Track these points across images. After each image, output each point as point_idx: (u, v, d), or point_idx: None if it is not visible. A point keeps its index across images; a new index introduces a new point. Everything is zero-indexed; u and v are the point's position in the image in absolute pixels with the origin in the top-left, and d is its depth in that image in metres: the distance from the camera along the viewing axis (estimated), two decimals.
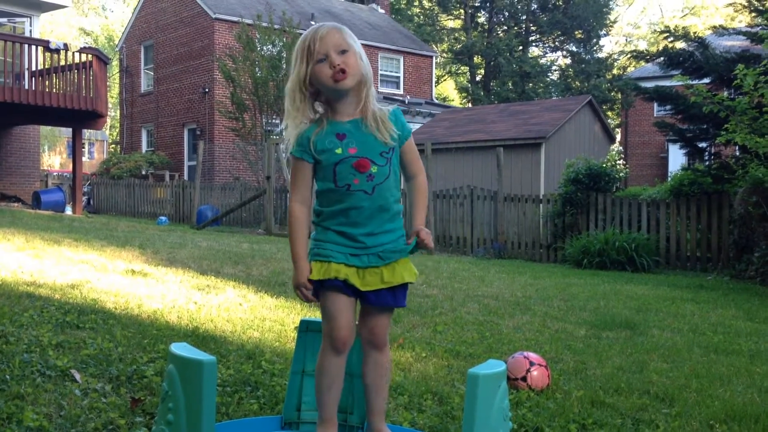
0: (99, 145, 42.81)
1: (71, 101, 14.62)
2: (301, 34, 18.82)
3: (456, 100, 43.81)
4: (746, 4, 12.28)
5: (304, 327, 2.47)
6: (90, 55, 15.15)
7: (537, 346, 4.49)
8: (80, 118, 15.31)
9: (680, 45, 12.69)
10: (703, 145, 12.67)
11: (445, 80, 44.03)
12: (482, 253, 13.36)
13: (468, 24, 38.84)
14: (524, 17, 38.63)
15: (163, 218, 17.91)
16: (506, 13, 39.04)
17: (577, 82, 36.42)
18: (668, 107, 12.58)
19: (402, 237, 2.22)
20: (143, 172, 23.39)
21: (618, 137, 31.08)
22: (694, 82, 11.01)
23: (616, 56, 39.45)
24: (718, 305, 7.02)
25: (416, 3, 40.58)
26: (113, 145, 37.78)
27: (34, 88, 14.61)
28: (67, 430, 2.45)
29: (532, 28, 38.75)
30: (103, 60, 15.49)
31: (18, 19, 17.86)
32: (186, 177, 23.42)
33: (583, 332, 5.15)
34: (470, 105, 37.06)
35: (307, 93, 2.15)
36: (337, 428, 2.22)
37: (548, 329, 5.19)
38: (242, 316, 4.71)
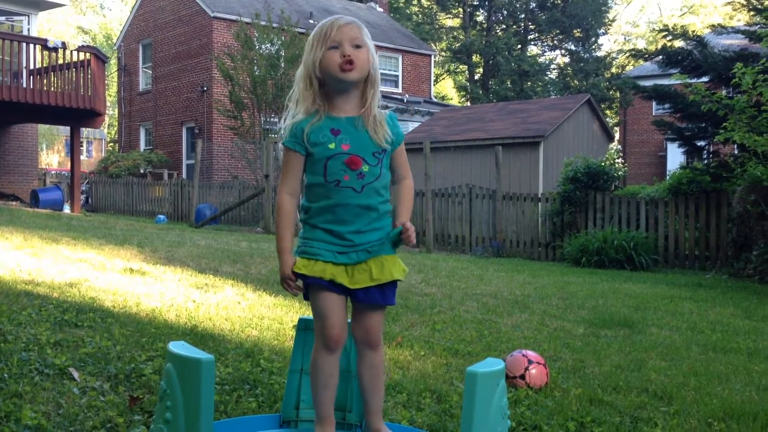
0: (97, 144, 42.78)
1: (69, 100, 14.60)
2: (299, 32, 18.88)
3: (454, 98, 43.81)
4: (745, 2, 12.29)
5: (303, 325, 2.47)
6: (88, 54, 15.14)
7: (535, 345, 4.49)
8: (78, 116, 15.29)
9: (679, 44, 12.69)
10: (701, 143, 12.68)
11: (443, 79, 44.03)
12: (481, 252, 13.36)
13: (466, 23, 38.84)
14: (523, 16, 38.65)
15: (162, 217, 17.91)
16: (505, 12, 39.04)
17: (575, 81, 36.43)
18: (667, 106, 12.59)
19: (387, 245, 2.21)
20: (141, 171, 23.38)
21: (616, 136, 31.09)
22: (692, 81, 11.02)
23: (614, 55, 39.46)
24: (717, 303, 7.03)
25: (415, 2, 40.58)
26: (111, 144, 37.74)
27: (32, 87, 14.60)
28: (66, 429, 2.45)
29: (531, 26, 38.76)
30: (101, 58, 15.47)
31: (16, 18, 17.83)
32: (184, 175, 23.40)
33: (581, 330, 5.16)
34: (469, 104, 37.07)
35: (316, 81, 2.14)
36: (334, 426, 2.22)
37: (547, 327, 5.19)
38: (241, 314, 4.71)
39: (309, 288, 2.18)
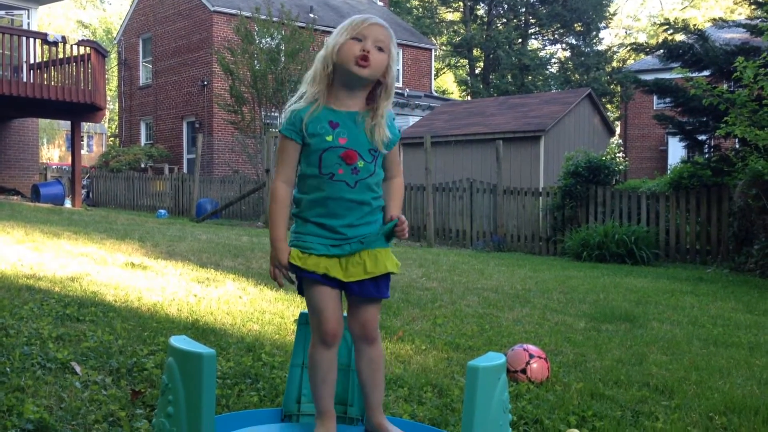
0: (98, 138, 42.77)
1: (70, 94, 14.59)
2: (299, 26, 18.82)
3: (455, 92, 43.77)
4: None
5: (304, 320, 2.47)
6: (88, 48, 15.12)
7: (536, 339, 4.49)
8: (79, 111, 15.28)
9: (680, 37, 12.66)
10: (702, 137, 12.66)
11: (444, 73, 43.97)
12: (482, 246, 13.36)
13: (467, 16, 38.76)
14: (523, 9, 38.57)
15: (163, 211, 17.91)
16: (505, 6, 38.97)
17: (576, 75, 36.39)
18: (668, 100, 12.56)
19: (381, 239, 2.20)
20: (142, 165, 23.38)
21: (617, 130, 31.05)
22: (693, 75, 10.99)
23: (615, 49, 39.42)
24: (718, 298, 7.03)
25: None
26: (112, 138, 37.73)
27: (32, 81, 14.58)
28: (68, 423, 2.45)
29: (532, 20, 38.69)
30: (101, 53, 15.45)
31: (16, 12, 17.81)
32: (185, 170, 23.40)
33: (582, 325, 5.16)
34: (469, 98, 37.02)
35: (331, 65, 2.14)
36: (335, 420, 2.22)
37: (548, 322, 5.19)
38: (242, 308, 4.71)
39: (303, 282, 2.18)
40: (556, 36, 39.08)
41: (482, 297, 6.14)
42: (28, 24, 17.71)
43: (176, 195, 19.44)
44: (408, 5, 39.67)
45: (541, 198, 13.36)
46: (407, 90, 26.19)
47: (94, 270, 5.66)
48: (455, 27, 40.39)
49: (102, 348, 3.34)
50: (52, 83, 14.69)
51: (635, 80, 14.33)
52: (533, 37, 40.19)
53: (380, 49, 2.13)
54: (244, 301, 4.98)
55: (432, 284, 6.74)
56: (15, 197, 16.55)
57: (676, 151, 22.33)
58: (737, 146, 11.72)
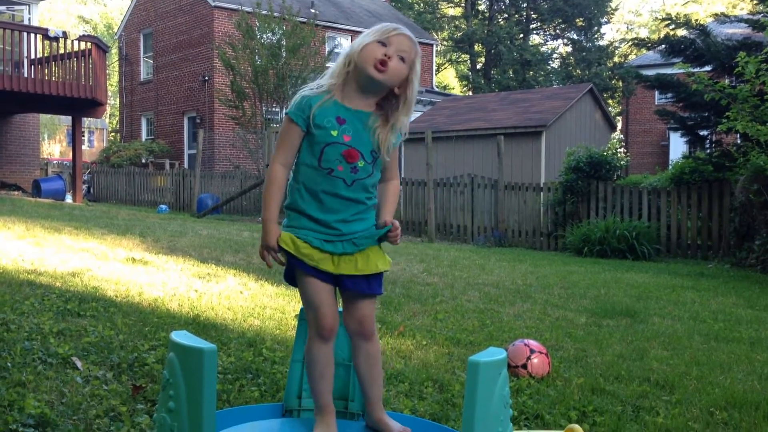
0: (99, 134, 42.75)
1: (70, 89, 14.59)
2: (300, 21, 18.78)
3: (456, 88, 43.71)
4: None
5: (305, 315, 2.47)
6: (89, 43, 15.10)
7: (537, 334, 4.50)
8: (80, 106, 15.28)
9: (681, 32, 12.63)
10: (704, 133, 12.64)
11: (445, 68, 43.90)
12: (483, 242, 13.36)
13: (468, 12, 38.68)
14: (525, 5, 38.47)
15: (164, 206, 17.91)
16: (507, 1, 38.88)
17: (578, 70, 36.32)
18: (669, 95, 12.54)
19: (374, 227, 2.21)
20: (143, 161, 23.37)
21: (619, 125, 30.99)
22: (695, 70, 10.98)
23: (617, 44, 39.33)
24: (719, 293, 7.03)
25: None
26: (113, 134, 37.71)
27: (33, 77, 14.57)
28: (69, 417, 2.46)
29: (533, 15, 38.60)
30: (102, 48, 15.44)
31: (17, 7, 17.80)
32: (186, 165, 23.40)
33: (583, 320, 5.16)
34: (471, 93, 36.97)
35: (352, 65, 2.14)
36: (334, 415, 2.22)
37: (549, 317, 5.19)
38: (243, 304, 4.71)
39: (297, 275, 2.18)
40: (557, 31, 39.00)
41: (483, 292, 6.14)
42: (29, 19, 17.70)
43: (177, 190, 19.44)
44: (409, 0, 39.59)
45: (542, 193, 13.35)
46: None
47: (95, 265, 5.66)
48: (456, 22, 40.31)
49: (103, 343, 3.35)
50: (53, 78, 14.68)
51: (637, 75, 14.31)
52: (535, 32, 40.11)
53: (402, 60, 2.13)
54: (245, 297, 4.98)
55: (433, 279, 6.74)
56: (16, 192, 16.56)
57: (678, 146, 22.31)
58: (739, 141, 11.70)
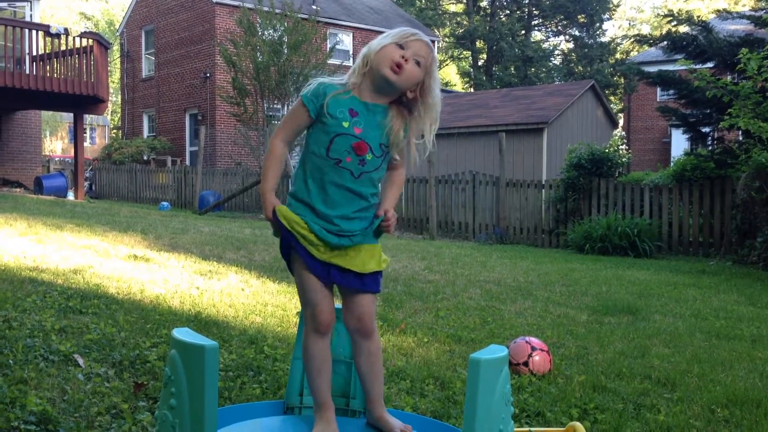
0: (100, 131, 42.75)
1: (72, 86, 14.59)
2: (302, 18, 18.75)
3: (458, 84, 43.69)
4: None
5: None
6: (91, 40, 15.10)
7: (539, 331, 4.50)
8: (82, 103, 15.28)
9: (684, 29, 12.61)
10: (706, 129, 12.63)
11: (447, 65, 43.86)
12: (484, 239, 13.36)
13: (470, 8, 38.63)
14: (527, 1, 38.44)
15: (165, 203, 17.92)
16: None
17: (579, 67, 36.29)
18: (671, 92, 12.53)
19: (370, 230, 2.20)
20: (145, 158, 23.38)
21: (620, 122, 30.96)
22: (697, 67, 10.97)
23: (619, 40, 39.28)
24: (720, 290, 7.02)
25: None
26: (115, 131, 37.72)
27: (35, 73, 14.58)
28: (71, 415, 2.46)
29: (535, 12, 38.56)
30: (103, 45, 15.44)
31: (18, 4, 17.79)
32: (188, 162, 23.41)
33: (584, 317, 5.16)
34: (472, 90, 36.94)
35: (369, 66, 2.16)
36: (334, 411, 2.22)
37: (550, 314, 5.19)
38: (244, 301, 4.72)
39: (293, 262, 2.17)
40: (559, 28, 38.96)
41: (484, 289, 6.14)
42: (31, 16, 17.70)
43: (179, 187, 19.44)
44: None
45: (543, 190, 13.34)
46: None
47: (96, 262, 5.67)
48: (458, 19, 40.27)
49: (105, 340, 3.35)
50: (55, 75, 14.68)
51: (639, 72, 14.30)
52: (536, 28, 40.07)
53: (417, 64, 2.15)
54: (246, 294, 4.99)
55: (434, 277, 6.75)
56: (18, 189, 16.58)
57: (680, 143, 22.28)
58: (741, 138, 11.69)
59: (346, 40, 25.14)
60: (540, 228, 13.25)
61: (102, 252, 6.32)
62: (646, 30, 46.11)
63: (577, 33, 38.02)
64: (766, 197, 9.44)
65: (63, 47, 14.92)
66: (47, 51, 15.04)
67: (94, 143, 39.79)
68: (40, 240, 6.66)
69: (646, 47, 27.04)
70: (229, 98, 18.96)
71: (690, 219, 11.34)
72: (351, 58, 22.68)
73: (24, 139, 17.82)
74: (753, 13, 12.38)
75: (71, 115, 17.10)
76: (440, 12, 40.08)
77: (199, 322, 3.95)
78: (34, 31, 14.93)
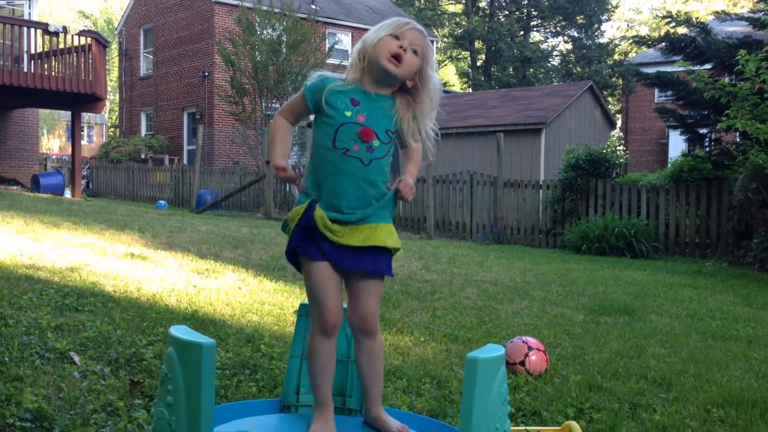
0: (98, 129, 42.71)
1: (70, 84, 14.57)
2: (300, 17, 18.73)
3: (456, 85, 43.70)
4: None
5: (304, 311, 2.47)
6: (89, 38, 15.08)
7: (535, 331, 4.50)
8: (79, 101, 15.26)
9: (682, 30, 12.62)
10: (703, 131, 12.64)
11: (445, 65, 43.87)
12: (481, 239, 13.37)
13: (469, 8, 38.65)
14: (525, 2, 38.46)
15: (163, 202, 17.90)
16: None
17: (578, 68, 36.33)
18: (669, 93, 12.54)
19: (383, 210, 2.18)
20: (142, 156, 23.35)
21: (618, 123, 30.99)
22: (695, 68, 10.97)
23: (617, 42, 39.32)
24: (717, 291, 7.03)
25: None
26: (112, 129, 37.69)
27: (33, 71, 14.56)
28: (66, 412, 2.46)
29: (534, 12, 38.58)
30: (102, 43, 15.42)
31: (17, 2, 17.76)
32: (185, 161, 23.38)
33: (581, 317, 5.17)
34: (471, 90, 36.95)
35: (366, 60, 2.16)
36: (333, 410, 2.22)
37: (547, 314, 5.20)
38: (241, 299, 4.71)
39: (302, 262, 2.16)
40: (557, 28, 38.99)
41: (481, 289, 6.15)
42: (29, 14, 17.67)
43: (176, 186, 19.43)
44: None
45: (541, 191, 13.35)
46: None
47: (93, 260, 5.66)
48: (457, 19, 40.28)
49: (101, 338, 3.35)
50: (53, 73, 14.66)
51: (637, 73, 14.30)
52: (535, 29, 40.09)
53: (415, 53, 2.16)
54: (243, 292, 4.98)
55: (431, 276, 6.75)
56: (15, 187, 16.55)
57: (677, 144, 22.30)
58: (738, 140, 11.70)
59: (344, 40, 25.13)
60: (537, 228, 13.26)
61: (99, 250, 6.31)
62: (644, 31, 46.14)
63: (575, 34, 38.06)
64: (762, 199, 9.46)
65: (61, 45, 14.90)
66: (45, 49, 15.02)
67: (92, 141, 39.74)
68: (37, 238, 6.65)
69: (644, 48, 27.05)
70: (228, 97, 18.95)
71: (687, 220, 11.35)
72: (350, 58, 22.72)
73: (21, 137, 17.79)
74: (751, 14, 12.39)
75: (69, 113, 17.10)
76: (439, 12, 40.10)
77: (196, 320, 3.95)
78: (32, 29, 14.91)
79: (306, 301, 2.48)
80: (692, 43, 11.81)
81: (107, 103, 34.70)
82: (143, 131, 26.68)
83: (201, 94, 23.39)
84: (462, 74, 41.95)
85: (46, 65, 14.87)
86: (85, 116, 29.30)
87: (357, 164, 2.11)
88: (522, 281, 6.88)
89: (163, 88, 25.38)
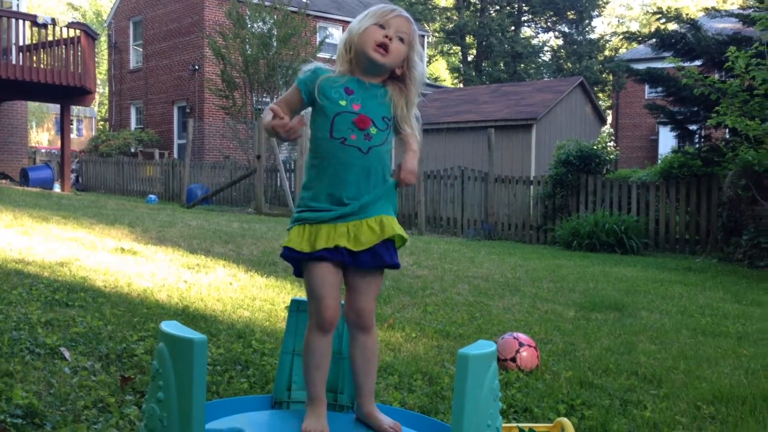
0: (87, 122, 42.46)
1: (59, 77, 14.47)
2: (291, 11, 18.62)
3: (447, 80, 43.69)
4: None
5: (295, 307, 2.47)
6: (78, 31, 14.98)
7: (526, 327, 4.51)
8: (68, 94, 15.16)
9: (672, 26, 12.67)
10: (693, 127, 12.70)
11: (436, 60, 43.84)
12: (472, 234, 13.38)
13: (460, 3, 38.63)
14: None
15: (153, 196, 17.83)
16: None
17: (568, 64, 36.37)
18: (659, 89, 12.59)
19: (385, 200, 2.17)
20: (132, 150, 23.23)
21: (609, 119, 31.08)
22: (685, 64, 11.00)
23: (608, 37, 39.37)
24: (706, 287, 7.07)
25: None
26: (102, 122, 37.48)
27: (21, 64, 14.44)
28: (57, 408, 2.45)
29: (525, 8, 38.58)
30: (91, 35, 15.31)
31: None
32: (176, 155, 23.28)
33: (572, 313, 5.18)
34: (461, 85, 36.96)
35: (354, 50, 2.15)
36: (326, 406, 2.21)
37: (538, 310, 5.21)
38: (232, 295, 4.70)
39: (306, 262, 2.14)
40: (548, 24, 39.01)
41: (472, 285, 6.16)
42: (18, 5, 17.53)
43: (166, 180, 19.36)
44: None
45: (532, 186, 13.38)
46: None
47: (83, 255, 5.63)
48: (448, 13, 40.24)
49: (91, 334, 3.33)
50: (42, 66, 14.56)
51: (627, 69, 14.35)
52: (526, 24, 40.10)
53: (401, 40, 2.14)
54: (234, 288, 4.97)
55: (422, 272, 6.75)
56: (3, 181, 16.44)
57: (667, 140, 22.39)
58: (728, 136, 11.76)
59: (335, 34, 25.05)
60: (528, 224, 13.29)
61: (89, 244, 6.28)
62: (635, 27, 46.32)
63: (566, 29, 38.08)
64: (752, 195, 9.51)
65: (50, 37, 14.78)
66: (34, 41, 14.91)
67: (81, 135, 39.51)
68: (26, 232, 6.61)
69: (634, 45, 27.16)
70: (218, 91, 18.87)
71: (677, 216, 11.41)
72: (337, 50, 22.63)
73: (10, 130, 17.66)
74: (741, 11, 12.43)
75: (58, 106, 16.98)
76: (430, 7, 40.02)
77: (187, 315, 3.94)
78: (20, 21, 14.80)
79: (297, 297, 2.48)
80: (682, 39, 11.85)
81: (96, 97, 34.50)
82: (133, 125, 26.53)
83: (191, 88, 23.29)
84: (453, 69, 41.93)
85: (34, 57, 14.76)
86: (75, 109, 29.13)
87: (356, 153, 2.10)
88: (513, 277, 6.89)
89: (153, 81, 25.25)
